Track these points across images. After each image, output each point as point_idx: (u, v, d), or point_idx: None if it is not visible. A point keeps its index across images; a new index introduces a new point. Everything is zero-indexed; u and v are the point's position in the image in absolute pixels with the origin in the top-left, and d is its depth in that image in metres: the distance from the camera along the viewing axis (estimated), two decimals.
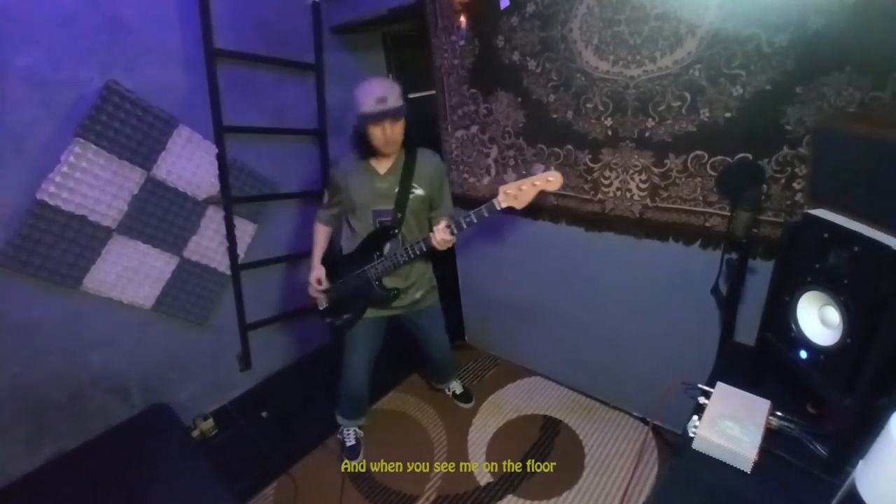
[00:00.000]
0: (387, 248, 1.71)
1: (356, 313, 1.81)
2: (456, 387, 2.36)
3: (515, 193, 1.52)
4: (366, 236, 1.71)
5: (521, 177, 1.54)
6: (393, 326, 1.95)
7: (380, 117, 1.53)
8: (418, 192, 1.69)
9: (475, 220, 1.57)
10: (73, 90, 1.72)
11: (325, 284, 1.81)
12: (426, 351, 2.11)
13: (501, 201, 1.54)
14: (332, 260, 1.85)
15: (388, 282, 1.76)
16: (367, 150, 1.63)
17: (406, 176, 1.67)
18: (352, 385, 1.95)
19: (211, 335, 2.35)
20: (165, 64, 1.93)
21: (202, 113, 2.04)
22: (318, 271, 1.81)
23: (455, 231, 1.60)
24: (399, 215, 1.67)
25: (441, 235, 1.59)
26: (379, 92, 1.51)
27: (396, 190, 1.66)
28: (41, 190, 1.69)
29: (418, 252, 1.66)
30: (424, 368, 2.46)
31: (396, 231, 1.69)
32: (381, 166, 1.68)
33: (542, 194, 1.56)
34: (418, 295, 1.85)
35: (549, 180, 1.51)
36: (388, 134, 1.56)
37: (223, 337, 2.40)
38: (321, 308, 1.87)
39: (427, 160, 1.72)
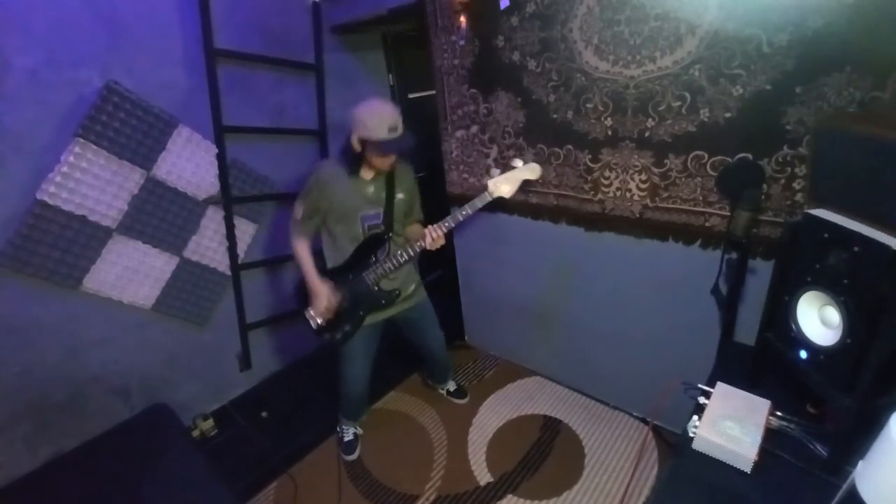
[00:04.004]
0: (380, 252, 1.72)
1: (355, 324, 1.77)
2: (450, 385, 2.37)
3: (504, 184, 1.70)
4: (361, 242, 1.70)
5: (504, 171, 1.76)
6: (389, 331, 1.94)
7: (392, 149, 1.54)
8: (400, 196, 1.72)
9: (470, 212, 1.68)
10: (73, 90, 1.72)
11: (336, 301, 1.71)
12: (424, 348, 2.11)
13: (493, 192, 1.69)
14: (326, 273, 1.76)
15: (386, 284, 1.77)
16: (359, 167, 1.63)
17: (389, 181, 1.69)
18: (354, 395, 1.98)
19: (211, 335, 2.35)
20: (165, 64, 1.93)
21: (202, 113, 2.04)
22: (324, 295, 1.69)
23: (446, 229, 1.67)
24: (389, 219, 1.70)
25: (433, 233, 1.64)
26: (390, 119, 1.50)
27: (383, 194, 1.68)
28: (41, 190, 1.69)
29: (415, 252, 1.68)
30: (423, 367, 2.46)
31: (389, 234, 1.71)
32: (367, 172, 1.67)
33: (525, 183, 1.80)
34: (411, 288, 1.88)
35: (530, 171, 1.75)
36: (391, 160, 1.59)
37: (223, 337, 2.40)
38: (315, 327, 1.78)
39: (405, 169, 1.76)
